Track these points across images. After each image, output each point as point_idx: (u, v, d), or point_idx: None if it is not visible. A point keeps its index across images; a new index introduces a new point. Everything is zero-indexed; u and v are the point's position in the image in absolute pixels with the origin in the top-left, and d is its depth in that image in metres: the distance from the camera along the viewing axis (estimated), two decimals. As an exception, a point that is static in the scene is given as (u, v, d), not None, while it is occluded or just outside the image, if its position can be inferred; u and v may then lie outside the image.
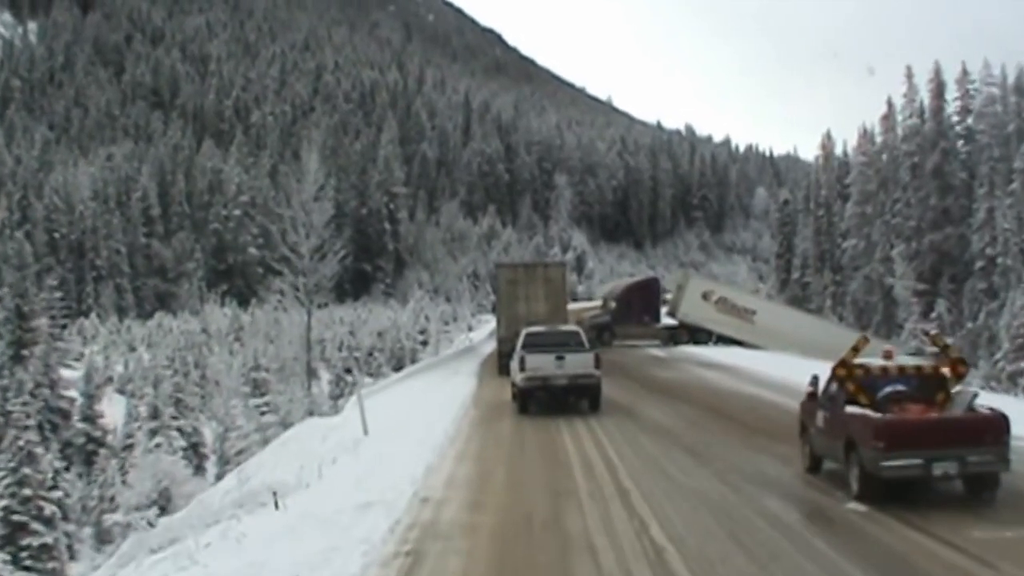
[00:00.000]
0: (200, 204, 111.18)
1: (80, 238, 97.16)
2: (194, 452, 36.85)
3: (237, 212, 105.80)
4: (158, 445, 34.31)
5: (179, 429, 35.81)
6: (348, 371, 47.20)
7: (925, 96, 62.63)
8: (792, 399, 17.75)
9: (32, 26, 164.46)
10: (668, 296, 48.92)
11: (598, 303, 59.24)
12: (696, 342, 42.06)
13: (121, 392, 47.17)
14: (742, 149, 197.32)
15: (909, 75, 62.86)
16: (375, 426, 19.36)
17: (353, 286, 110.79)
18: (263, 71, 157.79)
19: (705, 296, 43.00)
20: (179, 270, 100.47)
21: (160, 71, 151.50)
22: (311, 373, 37.88)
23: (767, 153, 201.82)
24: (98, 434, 37.71)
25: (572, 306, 78.92)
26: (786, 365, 27.77)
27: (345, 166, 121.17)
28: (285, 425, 30.28)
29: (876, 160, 70.37)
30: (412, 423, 20.02)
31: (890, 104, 68.50)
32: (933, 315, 39.20)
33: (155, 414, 35.96)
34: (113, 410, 43.59)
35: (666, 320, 45.01)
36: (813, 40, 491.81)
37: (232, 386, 37.30)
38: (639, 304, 44.38)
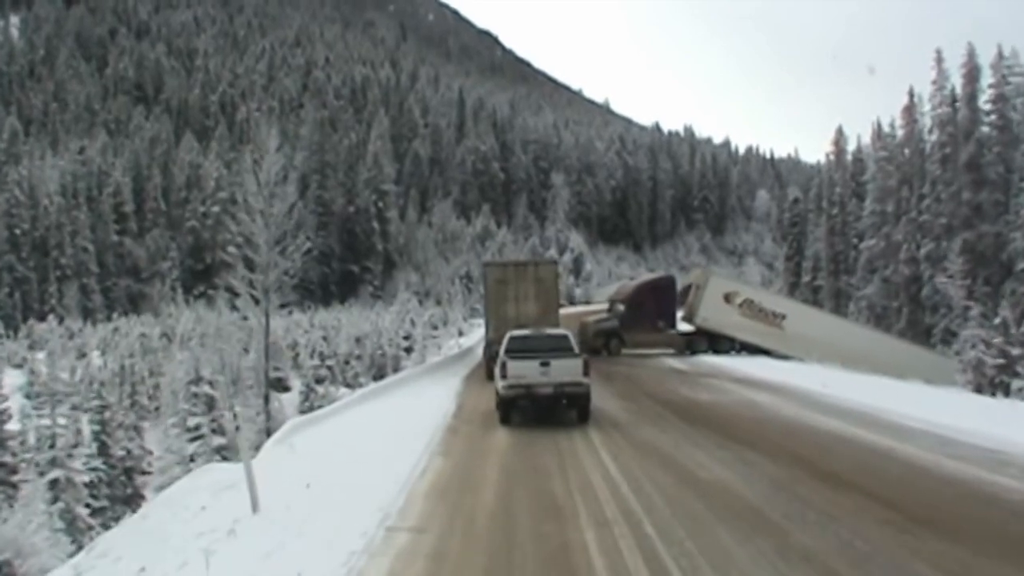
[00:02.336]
0: (177, 201, 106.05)
1: (44, 235, 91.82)
2: (92, 495, 30.43)
3: (216, 209, 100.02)
4: (55, 482, 28.27)
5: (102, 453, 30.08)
6: (320, 381, 42.08)
7: (957, 82, 57.45)
8: (900, 441, 14.12)
9: (14, 20, 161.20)
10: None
11: (599, 306, 54.12)
12: (716, 351, 36.84)
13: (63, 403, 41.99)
14: (742, 151, 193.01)
15: (939, 59, 57.57)
16: (293, 481, 13.28)
17: (340, 288, 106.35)
18: (251, 66, 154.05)
19: (728, 298, 37.47)
20: (153, 270, 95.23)
21: (144, 65, 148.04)
22: (270, 384, 32.73)
23: (768, 155, 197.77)
24: (8, 459, 31.02)
25: (572, 309, 74.76)
26: (841, 382, 22.88)
27: (333, 163, 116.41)
28: (222, 453, 25.32)
29: (897, 155, 65.40)
30: (357, 467, 14.24)
31: (912, 95, 63.53)
32: (997, 320, 34.10)
33: (75, 436, 30.33)
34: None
35: (682, 325, 39.62)
36: (811, 42, 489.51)
37: (168, 403, 31.96)
38: (652, 307, 38.50)
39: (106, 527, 22.41)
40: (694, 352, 37.10)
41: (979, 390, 29.86)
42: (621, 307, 39.44)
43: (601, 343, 38.22)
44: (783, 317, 36.87)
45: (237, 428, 23.57)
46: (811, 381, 23.52)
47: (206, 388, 27.82)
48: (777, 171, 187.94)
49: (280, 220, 33.79)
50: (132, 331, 57.98)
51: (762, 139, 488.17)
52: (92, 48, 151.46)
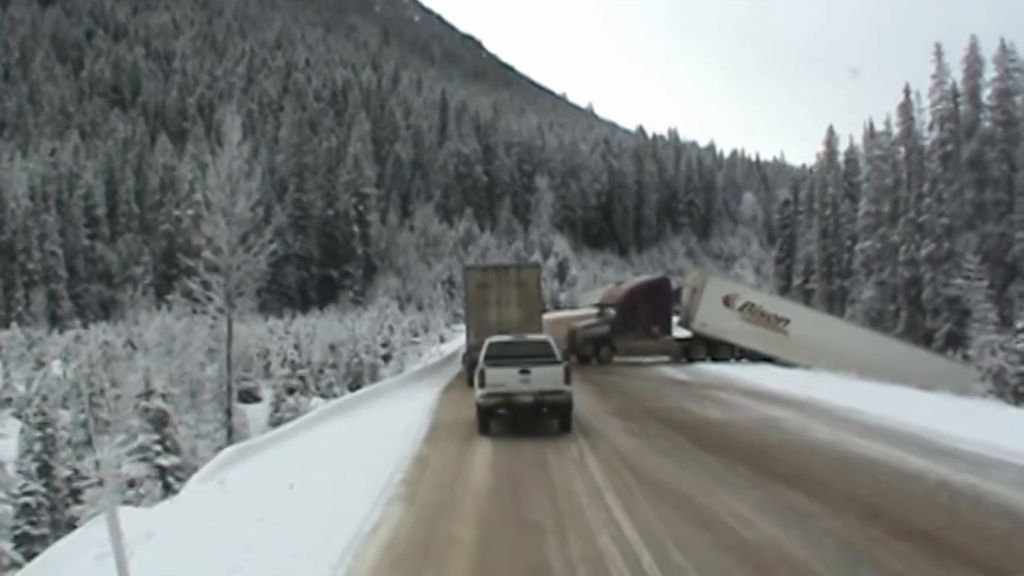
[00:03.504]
0: (151, 204, 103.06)
1: (11, 239, 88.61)
2: (30, 521, 27.14)
3: (191, 212, 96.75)
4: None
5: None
6: (291, 392, 39.38)
7: (957, 77, 55.33)
8: (980, 476, 11.57)
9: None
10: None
11: (588, 311, 51.59)
12: (715, 358, 34.32)
13: (18, 416, 39.24)
14: (727, 155, 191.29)
15: (938, 53, 55.37)
16: (206, 540, 10.27)
17: (319, 294, 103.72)
18: (230, 68, 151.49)
19: (727, 301, 34.70)
20: (125, 275, 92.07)
21: (121, 67, 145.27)
22: (237, 395, 30.08)
23: (754, 158, 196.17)
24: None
25: (559, 314, 72.56)
26: (864, 395, 20.47)
27: (311, 165, 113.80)
28: (176, 475, 22.69)
29: (893, 153, 63.35)
30: (293, 520, 10.81)
31: (907, 92, 61.38)
32: (1021, 325, 31.85)
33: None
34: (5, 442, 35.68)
35: (677, 331, 36.99)
36: (793, 46, 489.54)
37: (115, 419, 29.12)
38: (646, 311, 35.71)
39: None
40: (691, 360, 34.52)
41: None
42: (612, 312, 36.77)
43: (591, 350, 35.53)
44: (787, 322, 34.26)
45: (100, 482, 21.05)
46: (828, 392, 20.89)
47: (157, 402, 25.11)
48: (763, 174, 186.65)
49: (244, 218, 31.23)
50: (95, 339, 55.03)
51: (747, 143, 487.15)
52: (68, 50, 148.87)
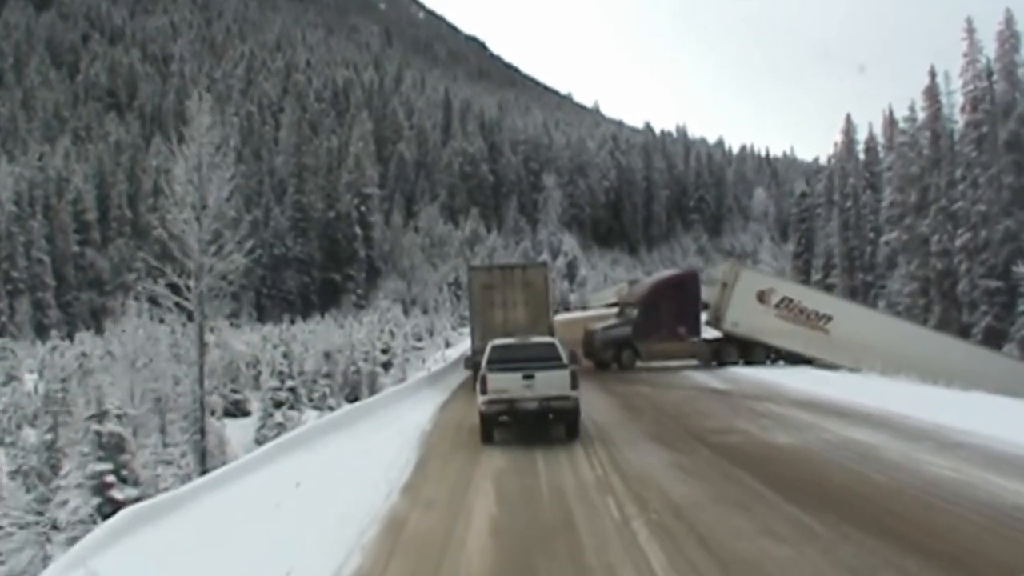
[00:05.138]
0: (145, 208, 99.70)
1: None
2: None
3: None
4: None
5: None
6: (279, 405, 36.06)
7: (990, 54, 51.78)
8: None
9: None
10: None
11: (603, 311, 48.18)
12: (749, 361, 30.83)
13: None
14: (736, 151, 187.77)
15: (969, 29, 51.86)
16: None
17: (320, 298, 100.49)
18: (229, 71, 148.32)
19: (762, 297, 30.84)
20: (118, 281, 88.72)
21: (117, 71, 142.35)
22: (205, 415, 26.54)
23: (763, 153, 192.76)
24: None
25: (573, 315, 69.51)
26: (948, 406, 16.85)
27: (312, 166, 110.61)
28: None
29: (919, 139, 59.94)
30: None
31: (933, 74, 58.00)
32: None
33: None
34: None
35: (706, 331, 33.29)
36: (799, 41, 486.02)
37: (67, 446, 25.52)
38: (671, 309, 31.94)
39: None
40: (722, 363, 31.01)
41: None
42: (634, 311, 33.07)
43: (611, 355, 31.99)
44: (828, 318, 30.48)
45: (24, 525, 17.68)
46: (904, 403, 17.12)
47: (111, 425, 21.65)
48: (774, 169, 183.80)
49: (217, 213, 27.89)
50: (73, 350, 51.72)
51: (756, 138, 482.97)
52: (64, 55, 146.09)
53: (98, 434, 21.57)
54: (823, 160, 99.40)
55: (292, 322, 78.01)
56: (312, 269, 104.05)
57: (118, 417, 22.33)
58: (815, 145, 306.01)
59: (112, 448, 21.72)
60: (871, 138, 74.32)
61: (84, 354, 47.10)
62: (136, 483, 21.99)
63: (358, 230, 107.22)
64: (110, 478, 21.13)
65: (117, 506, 20.95)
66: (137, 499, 21.35)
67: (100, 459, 21.40)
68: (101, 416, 21.79)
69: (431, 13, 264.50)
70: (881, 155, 72.02)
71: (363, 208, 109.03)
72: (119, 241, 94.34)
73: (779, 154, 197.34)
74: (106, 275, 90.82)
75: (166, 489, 21.33)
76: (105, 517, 19.47)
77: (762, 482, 11.96)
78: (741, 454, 14.26)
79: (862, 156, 74.66)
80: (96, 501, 20.83)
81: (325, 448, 17.45)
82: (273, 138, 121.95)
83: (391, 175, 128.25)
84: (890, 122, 72.60)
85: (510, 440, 16.65)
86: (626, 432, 17.30)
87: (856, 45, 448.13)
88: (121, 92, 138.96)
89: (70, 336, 73.22)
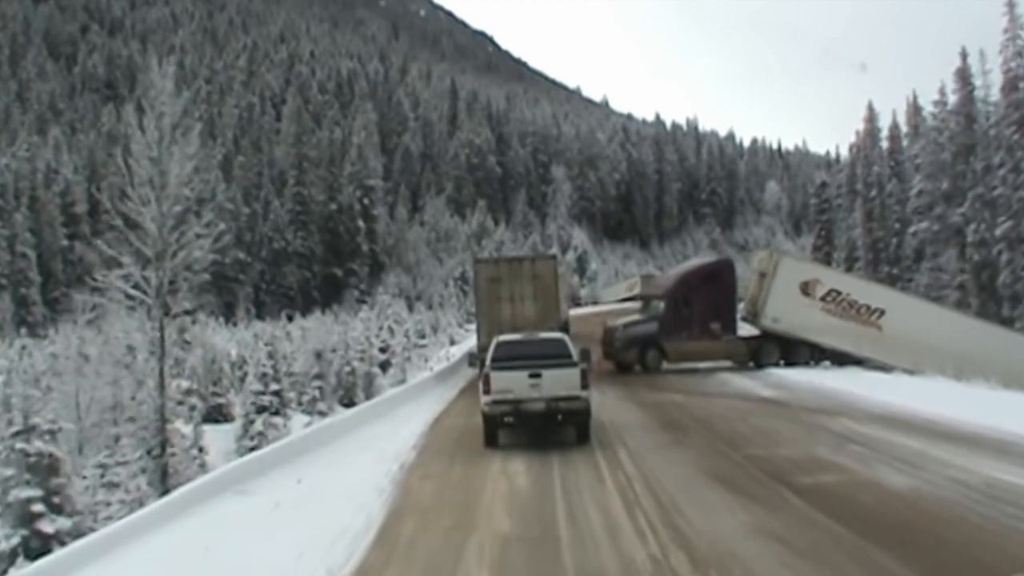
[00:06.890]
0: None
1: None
2: None
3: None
4: None
5: None
6: (262, 411, 32.67)
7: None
8: None
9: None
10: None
11: (623, 305, 44.67)
12: (791, 362, 27.23)
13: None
14: (748, 144, 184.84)
15: (1010, 4, 48.42)
16: None
17: (322, 293, 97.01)
18: (230, 62, 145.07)
19: (806, 289, 27.21)
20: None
21: (116, 63, 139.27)
22: (164, 428, 22.97)
23: (775, 146, 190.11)
24: None
25: (589, 309, 66.43)
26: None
27: (313, 157, 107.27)
28: (47, 551, 16.02)
29: (950, 123, 56.57)
30: None
31: (964, 55, 54.64)
32: None
33: None
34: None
35: (742, 328, 29.60)
36: (808, 36, 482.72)
37: None
38: (704, 303, 28.44)
39: None
40: (761, 365, 27.40)
41: None
42: (660, 305, 29.53)
43: (633, 355, 28.62)
44: (881, 312, 26.81)
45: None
46: (1015, 420, 13.64)
47: (39, 443, 18.16)
48: (786, 162, 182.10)
49: (179, 194, 24.50)
50: (44, 349, 48.36)
51: (767, 131, 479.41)
52: (61, 46, 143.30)
53: (25, 453, 18.14)
54: (838, 151, 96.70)
55: (291, 319, 74.62)
56: (313, 263, 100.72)
57: (51, 433, 18.86)
58: (827, 138, 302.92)
59: (42, 470, 18.28)
60: (895, 126, 71.05)
61: (53, 355, 43.55)
62: (72, 512, 18.55)
63: (361, 223, 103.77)
64: (38, 507, 17.67)
65: (46, 540, 17.58)
66: (69, 532, 17.99)
67: (27, 483, 17.97)
68: (28, 432, 18.34)
69: (438, 7, 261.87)
70: (905, 144, 68.84)
71: (366, 200, 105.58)
72: (110, 235, 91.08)
73: (791, 147, 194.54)
74: (96, 270, 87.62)
75: (108, 519, 17.95)
76: (33, 555, 16.14)
77: (899, 564, 7.86)
78: (852, 509, 10.00)
79: (885, 144, 71.40)
80: (23, 533, 17.42)
81: (275, 490, 13.04)
82: (274, 129, 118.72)
83: (396, 167, 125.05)
84: (914, 109, 69.51)
85: (516, 489, 12.63)
86: (672, 466, 13.39)
87: (860, 41, 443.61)
88: (120, 84, 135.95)
89: (50, 333, 69.86)
